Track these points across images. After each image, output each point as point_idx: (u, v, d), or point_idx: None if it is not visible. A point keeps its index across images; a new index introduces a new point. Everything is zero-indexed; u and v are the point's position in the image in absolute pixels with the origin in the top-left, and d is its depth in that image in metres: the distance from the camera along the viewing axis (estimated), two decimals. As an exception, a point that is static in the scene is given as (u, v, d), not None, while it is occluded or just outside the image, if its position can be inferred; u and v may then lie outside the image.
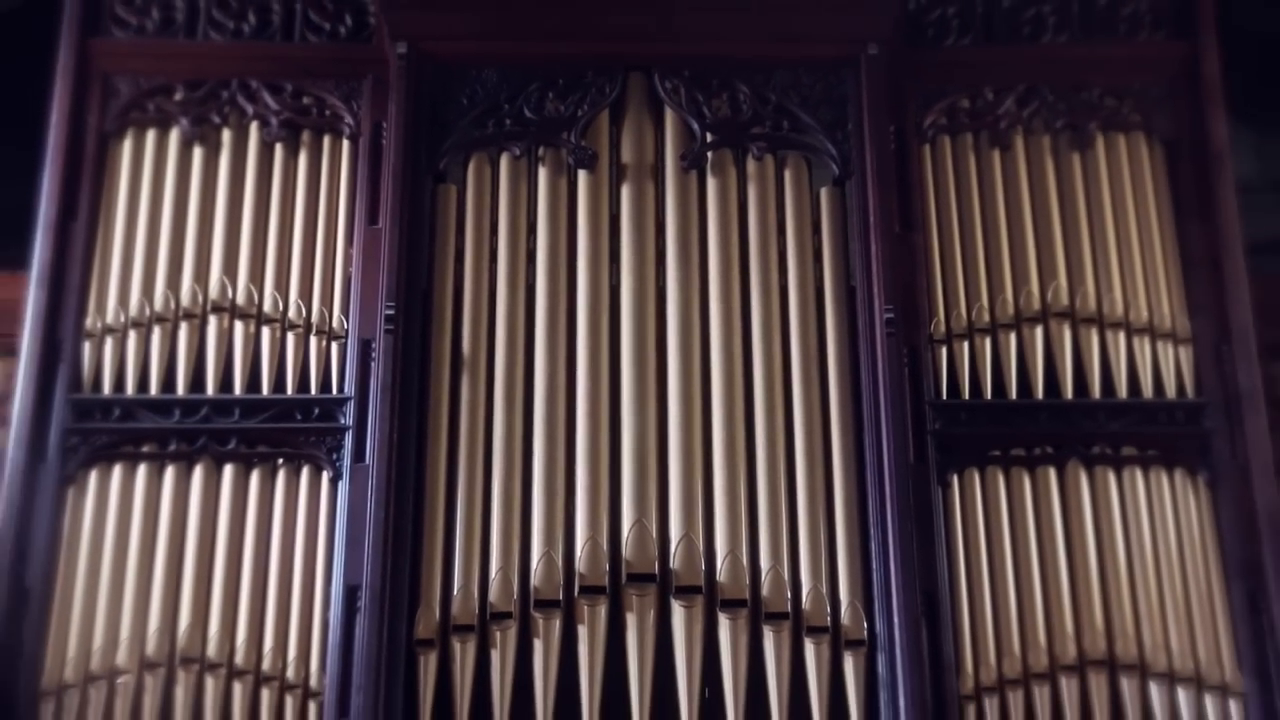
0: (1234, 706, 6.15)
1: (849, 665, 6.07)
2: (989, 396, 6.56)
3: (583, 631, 6.08)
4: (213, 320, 6.65)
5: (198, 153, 7.00)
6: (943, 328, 6.66)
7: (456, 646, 6.08)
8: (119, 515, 6.42)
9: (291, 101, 7.05)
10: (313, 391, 6.57)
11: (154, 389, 6.57)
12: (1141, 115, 7.05)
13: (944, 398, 6.55)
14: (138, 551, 6.35)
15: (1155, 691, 6.13)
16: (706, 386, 6.53)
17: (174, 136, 7.02)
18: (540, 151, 6.93)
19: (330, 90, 7.05)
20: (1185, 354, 6.67)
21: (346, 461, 6.42)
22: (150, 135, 7.04)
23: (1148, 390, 6.59)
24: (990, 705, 6.09)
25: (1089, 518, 6.40)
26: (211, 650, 6.17)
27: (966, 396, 6.57)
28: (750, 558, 6.23)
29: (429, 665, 6.08)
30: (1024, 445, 6.52)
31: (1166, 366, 6.64)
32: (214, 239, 6.83)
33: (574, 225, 6.82)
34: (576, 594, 6.14)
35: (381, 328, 6.52)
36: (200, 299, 6.69)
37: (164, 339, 6.62)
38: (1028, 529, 6.38)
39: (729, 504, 6.31)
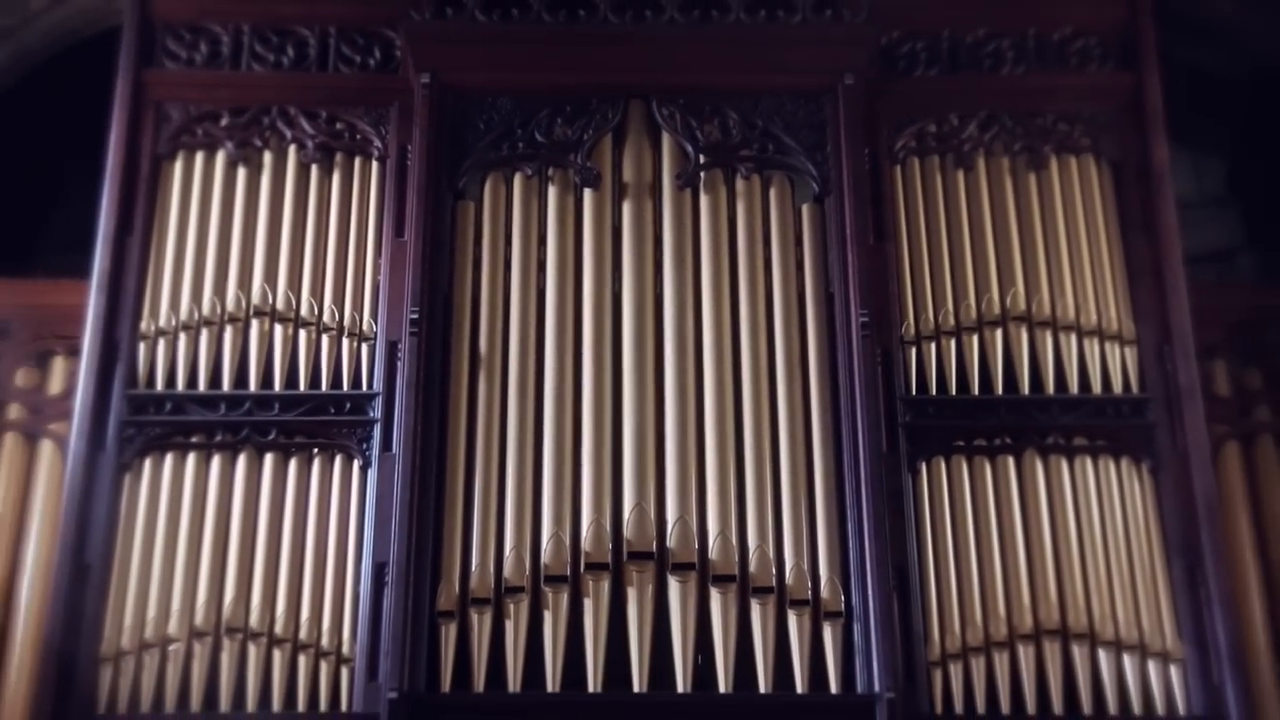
0: (1174, 672, 6.14)
1: (828, 634, 6.06)
2: (954, 392, 6.55)
3: (588, 604, 6.07)
4: (255, 323, 6.64)
5: (241, 173, 6.99)
6: (912, 330, 6.65)
7: (474, 617, 6.07)
8: (170, 499, 6.41)
9: (326, 127, 7.04)
10: (344, 388, 6.56)
11: (202, 385, 6.56)
12: (1091, 139, 7.04)
13: (914, 393, 6.54)
14: (187, 532, 6.35)
15: (1103, 658, 6.13)
16: (699, 383, 6.52)
17: (220, 158, 7.01)
18: (550, 171, 6.91)
19: (360, 116, 7.03)
20: (1130, 354, 6.66)
21: (375, 451, 6.40)
22: (199, 157, 7.02)
23: (1096, 387, 6.57)
24: (955, 670, 6.09)
25: (1044, 501, 6.40)
26: (254, 620, 6.16)
27: (934, 392, 6.55)
28: (739, 537, 6.22)
29: (449, 634, 6.06)
30: (985, 436, 6.50)
31: (1113, 365, 6.62)
32: (256, 250, 6.82)
33: (580, 238, 6.80)
34: (583, 570, 6.13)
35: (407, 330, 6.50)
36: (244, 304, 6.68)
37: (211, 340, 6.61)
38: (989, 512, 6.38)
39: (720, 489, 6.30)
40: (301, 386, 6.55)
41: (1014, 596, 6.21)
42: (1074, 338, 6.63)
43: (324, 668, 6.10)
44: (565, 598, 6.09)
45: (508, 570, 6.14)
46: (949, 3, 7.25)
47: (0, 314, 7.13)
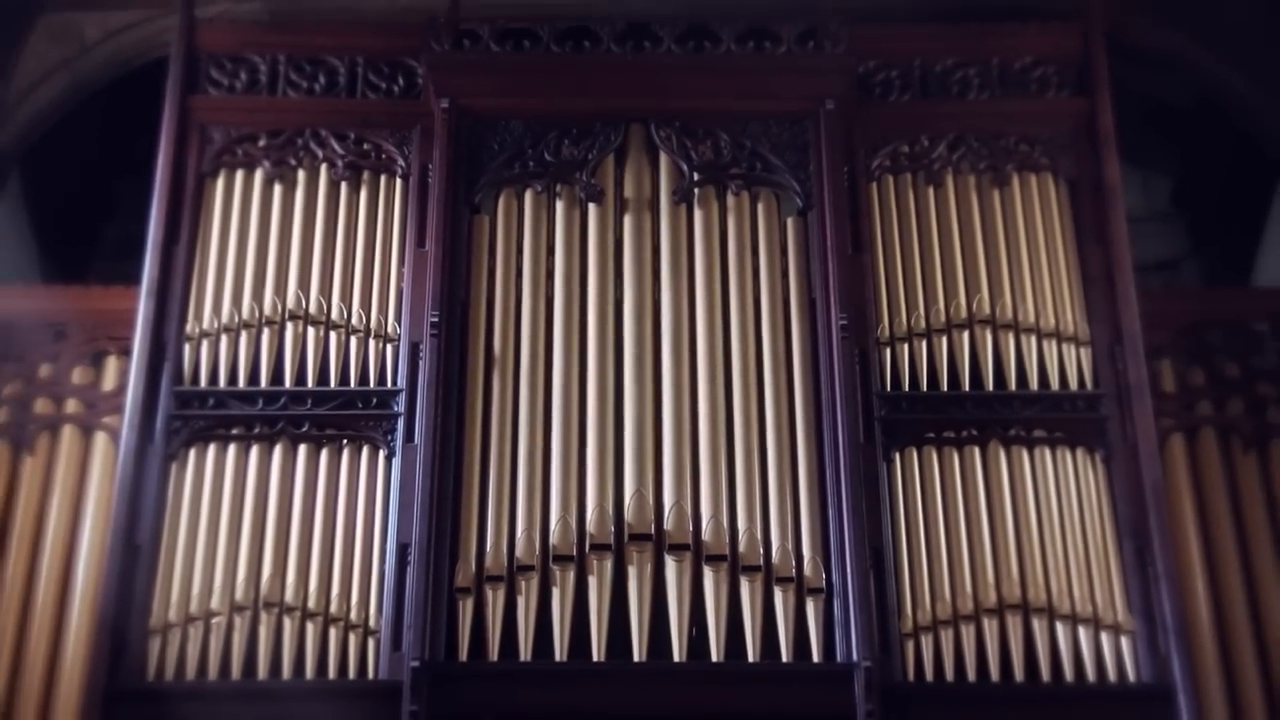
0: (1125, 643, 6.13)
1: (810, 609, 6.05)
2: (925, 389, 6.54)
3: (592, 581, 6.06)
4: (290, 326, 6.63)
5: (277, 190, 6.98)
6: (887, 332, 6.64)
7: (489, 593, 6.06)
8: (213, 486, 6.40)
9: (354, 147, 7.03)
10: (371, 385, 6.54)
11: (242, 382, 6.55)
12: (1049, 159, 7.03)
13: (888, 390, 6.53)
14: (228, 516, 6.34)
15: (1060, 630, 6.11)
16: (694, 381, 6.51)
17: (258, 176, 7.00)
18: (557, 188, 6.90)
19: (386, 138, 7.03)
20: (1085, 354, 6.64)
21: (399, 442, 6.40)
22: (239, 175, 7.01)
23: (1054, 384, 6.56)
24: (926, 641, 6.07)
25: (1006, 488, 6.38)
26: (289, 596, 6.15)
27: (907, 389, 6.54)
28: (729, 521, 6.21)
29: (466, 608, 6.05)
30: (954, 429, 6.49)
31: (1069, 364, 6.61)
32: (291, 259, 6.82)
33: (585, 248, 6.79)
34: (587, 550, 6.11)
35: (427, 332, 6.50)
36: (280, 308, 6.67)
37: (250, 341, 6.61)
38: (957, 497, 6.36)
39: (712, 477, 6.29)
40: (332, 383, 6.55)
41: (979, 574, 6.19)
42: (1034, 339, 6.62)
43: (352, 639, 6.08)
44: (572, 575, 6.07)
45: (519, 550, 6.13)
46: (920, 35, 7.27)
47: (58, 318, 7.11)
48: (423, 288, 6.63)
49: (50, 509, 6.79)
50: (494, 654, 5.98)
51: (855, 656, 5.94)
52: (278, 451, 6.45)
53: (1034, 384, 6.55)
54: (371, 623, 6.11)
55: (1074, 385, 6.57)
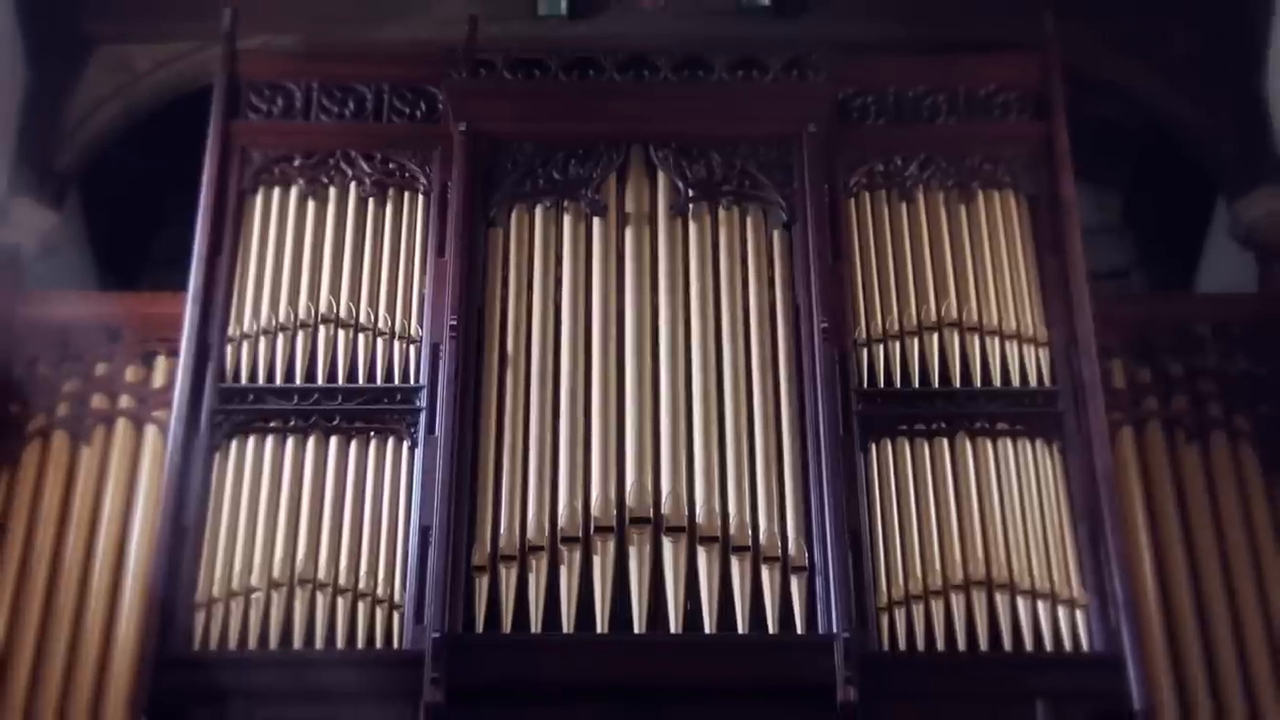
0: (1079, 616, 6.11)
1: (794, 585, 6.04)
2: (899, 386, 6.52)
3: (596, 560, 6.04)
4: (322, 329, 6.61)
5: (311, 205, 6.97)
6: (864, 334, 6.62)
7: (503, 571, 6.05)
8: (252, 474, 6.38)
9: (380, 167, 7.01)
10: (395, 382, 6.53)
11: (279, 380, 6.53)
12: (1011, 177, 7.02)
13: (865, 387, 6.51)
14: (266, 500, 6.32)
15: (1021, 604, 6.09)
16: (688, 378, 6.49)
17: (293, 193, 6.99)
18: (565, 204, 6.89)
19: (409, 158, 7.01)
20: (1043, 354, 6.62)
21: (421, 434, 6.38)
22: (276, 192, 7.00)
23: (1015, 381, 6.54)
24: (899, 614, 6.06)
25: (972, 476, 6.36)
26: (321, 573, 6.13)
27: (882, 386, 6.52)
28: (721, 505, 6.19)
29: (482, 585, 6.04)
30: (924, 422, 6.46)
31: (1029, 363, 6.59)
32: (323, 268, 6.80)
33: (590, 258, 6.77)
34: (592, 532, 6.10)
35: (447, 335, 6.48)
36: (314, 312, 6.65)
37: (286, 343, 6.59)
38: (927, 484, 6.34)
39: (705, 465, 6.27)
40: (360, 381, 6.53)
41: (948, 553, 6.17)
42: (997, 340, 6.60)
43: (379, 613, 6.07)
44: (578, 555, 6.06)
45: (530, 532, 6.12)
46: (893, 65, 7.25)
47: (113, 321, 7.13)
48: (443, 294, 6.62)
49: (106, 495, 6.81)
50: (507, 626, 5.97)
51: (835, 628, 5.92)
52: (311, 443, 6.43)
53: (997, 381, 6.53)
54: (396, 598, 6.10)
55: (1033, 382, 6.55)
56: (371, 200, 6.97)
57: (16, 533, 6.72)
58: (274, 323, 6.64)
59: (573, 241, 6.81)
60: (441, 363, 6.46)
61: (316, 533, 6.24)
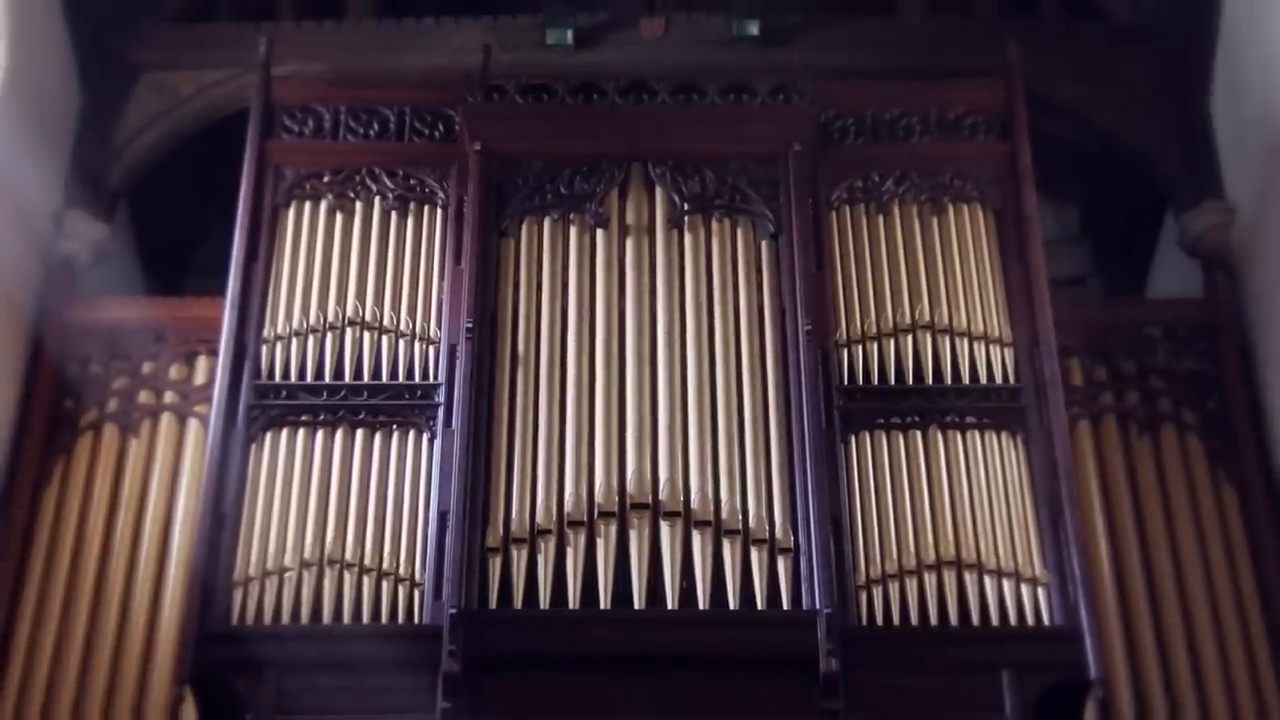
0: (1040, 593, 6.08)
1: (781, 565, 6.01)
2: (876, 383, 6.49)
3: (600, 542, 6.02)
4: (349, 331, 6.58)
5: (339, 218, 6.93)
6: (845, 336, 6.59)
7: (514, 552, 6.02)
8: (285, 463, 6.35)
9: (402, 183, 6.98)
10: (416, 379, 6.49)
11: (309, 377, 6.50)
12: (979, 192, 6.98)
13: (846, 384, 6.48)
14: (298, 487, 6.29)
15: (988, 582, 6.07)
16: (684, 376, 6.46)
17: (323, 207, 6.95)
18: (571, 216, 6.85)
19: (429, 175, 6.98)
20: (1008, 354, 6.59)
21: (439, 427, 6.35)
22: (307, 206, 6.96)
23: (983, 378, 6.51)
24: (877, 592, 6.03)
25: (944, 465, 6.33)
26: (348, 554, 6.10)
27: (861, 383, 6.49)
28: (714, 492, 6.16)
29: (496, 565, 6.01)
30: (900, 416, 6.43)
31: (995, 362, 6.56)
32: (350, 276, 6.76)
33: (594, 267, 6.74)
34: (596, 516, 6.07)
35: (463, 336, 6.45)
36: (341, 316, 6.62)
37: (316, 343, 6.56)
38: (902, 473, 6.31)
39: (700, 456, 6.24)
40: (384, 378, 6.49)
41: (921, 536, 6.14)
42: (966, 341, 6.57)
43: (401, 590, 6.04)
44: (583, 537, 6.03)
45: (539, 516, 6.09)
46: (871, 89, 7.22)
47: (158, 324, 7.09)
48: (459, 299, 6.59)
49: (152, 483, 6.79)
50: (518, 603, 5.95)
51: (818, 605, 5.90)
52: (339, 435, 6.40)
53: (966, 379, 6.50)
54: (416, 577, 6.07)
55: (999, 380, 6.52)
56: (394, 213, 6.94)
57: (70, 517, 6.70)
58: (305, 325, 6.61)
59: (578, 251, 6.77)
60: (458, 362, 6.44)
61: (344, 517, 6.21)
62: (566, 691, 5.90)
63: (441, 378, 6.47)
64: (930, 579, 6.05)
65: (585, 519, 6.07)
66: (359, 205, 6.96)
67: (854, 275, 6.77)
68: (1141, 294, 8.39)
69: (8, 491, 6.72)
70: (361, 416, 6.43)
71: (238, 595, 6.05)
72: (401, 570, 6.09)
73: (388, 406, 6.44)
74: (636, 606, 5.93)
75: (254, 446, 6.38)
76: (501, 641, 5.90)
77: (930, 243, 6.87)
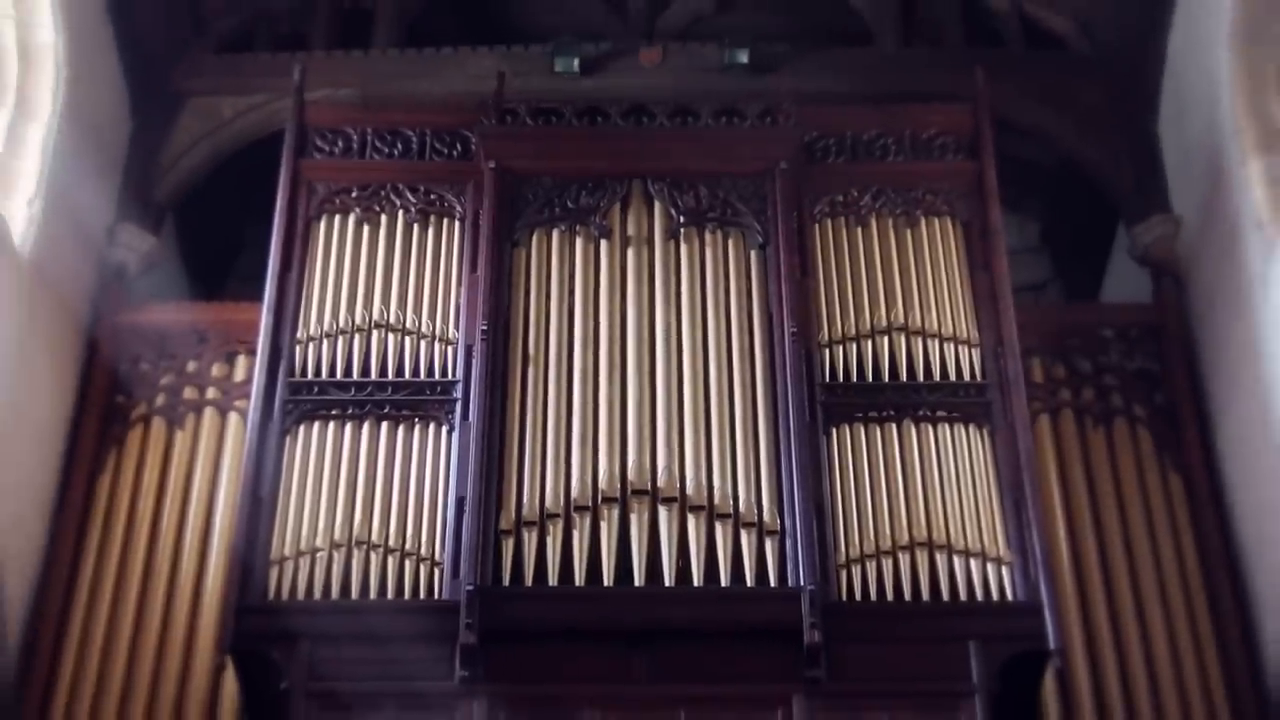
0: (1004, 571, 6.03)
1: (769, 547, 5.97)
2: (855, 380, 6.44)
3: (604, 525, 5.98)
4: (375, 332, 6.52)
5: (366, 229, 6.88)
6: (827, 337, 6.54)
7: (525, 534, 5.98)
8: (317, 454, 6.29)
9: (423, 198, 6.93)
10: (436, 377, 6.44)
11: (339, 375, 6.44)
12: (949, 206, 6.93)
13: (828, 381, 6.43)
14: (329, 474, 6.24)
15: (956, 561, 6.02)
16: (680, 373, 6.41)
17: (351, 219, 6.89)
18: (577, 228, 6.80)
19: (447, 190, 6.93)
20: (975, 353, 6.53)
21: (457, 420, 6.30)
22: (336, 219, 6.90)
23: (952, 376, 6.45)
24: (855, 570, 5.99)
25: (917, 455, 6.27)
26: (374, 536, 6.05)
27: (842, 380, 6.44)
28: (707, 479, 6.11)
29: (508, 545, 5.98)
30: (877, 410, 6.38)
31: (964, 361, 6.50)
32: (376, 282, 6.70)
33: (598, 274, 6.69)
34: (600, 502, 6.03)
35: (479, 337, 6.41)
36: (368, 319, 6.57)
37: (345, 344, 6.50)
38: (879, 462, 6.25)
39: (694, 446, 6.20)
40: (406, 376, 6.44)
41: (896, 519, 6.09)
42: (937, 342, 6.52)
43: (422, 569, 5.99)
44: (588, 520, 5.99)
45: (548, 502, 6.05)
46: (851, 112, 7.17)
47: (201, 327, 7.08)
48: (475, 304, 6.54)
49: (196, 471, 6.78)
50: (529, 580, 5.91)
51: (802, 582, 5.86)
52: (366, 427, 6.34)
53: (937, 376, 6.44)
54: (436, 556, 6.02)
55: (967, 377, 6.47)
56: (415, 225, 6.89)
57: (122, 502, 6.69)
58: (335, 327, 6.56)
59: (583, 260, 6.72)
60: (474, 361, 6.39)
61: (370, 502, 6.16)
62: (573, 661, 5.85)
63: (459, 375, 6.42)
64: (904, 558, 6.00)
65: (590, 504, 6.03)
66: (384, 218, 6.91)
67: (835, 282, 6.72)
68: (1096, 299, 8.35)
69: (65, 479, 6.71)
70: (386, 410, 6.38)
71: (274, 573, 6.00)
72: (422, 550, 6.04)
73: (410, 402, 6.39)
74: (637, 583, 5.89)
75: (288, 438, 6.33)
76: (514, 615, 5.86)
77: (904, 252, 6.81)
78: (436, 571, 6.00)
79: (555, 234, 6.81)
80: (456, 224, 6.89)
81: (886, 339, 6.53)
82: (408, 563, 6.01)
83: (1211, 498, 6.66)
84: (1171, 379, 6.95)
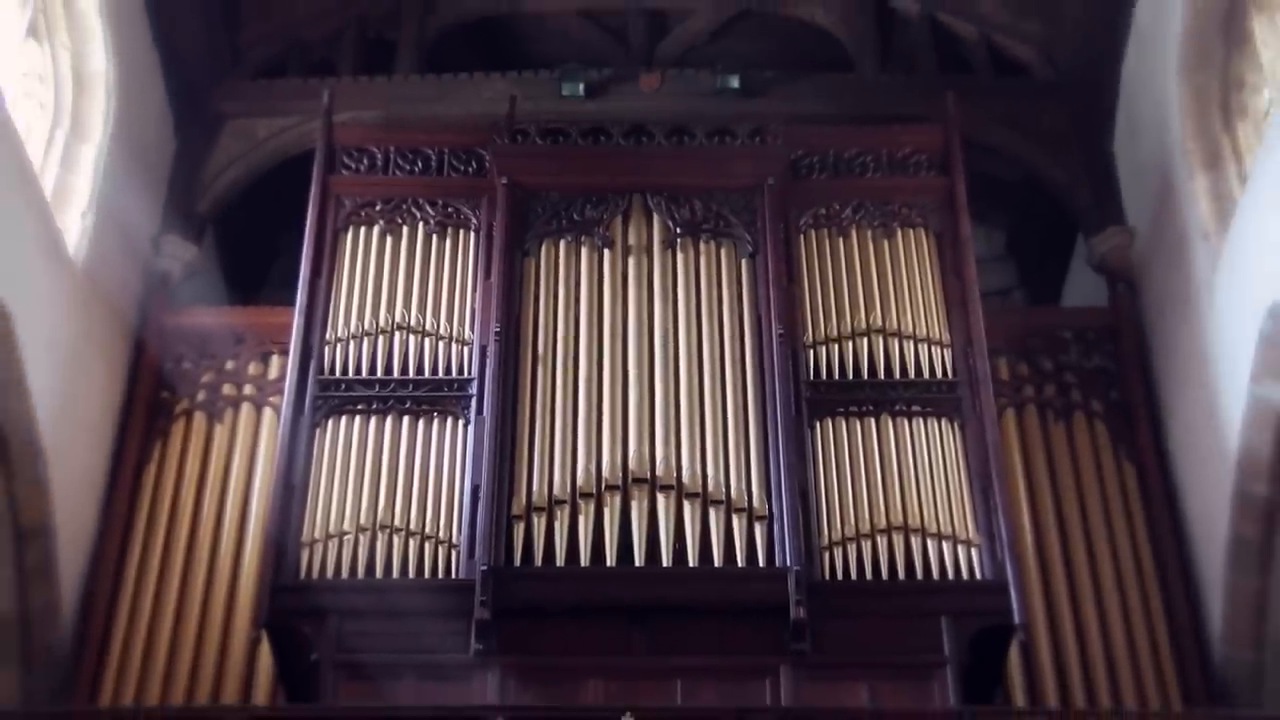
0: (973, 553, 5.99)
1: (758, 530, 5.94)
2: (837, 378, 6.39)
3: (607, 510, 5.94)
4: (397, 334, 6.48)
5: (389, 240, 6.83)
6: (811, 338, 6.49)
7: (535, 519, 5.95)
8: (344, 445, 6.24)
9: (441, 211, 6.88)
10: (453, 375, 6.40)
11: (364, 373, 6.40)
12: (923, 219, 6.88)
13: (812, 378, 6.38)
14: (354, 464, 6.19)
15: (929, 544, 5.98)
16: (677, 372, 6.36)
17: (375, 230, 6.85)
18: (582, 239, 6.76)
19: (464, 204, 6.88)
20: (947, 353, 6.48)
21: (472, 414, 6.25)
22: (362, 230, 6.85)
23: (926, 374, 6.41)
24: (837, 552, 5.95)
25: (893, 446, 6.22)
26: (397, 520, 6.01)
27: (825, 377, 6.39)
28: (701, 469, 6.07)
29: (519, 529, 5.94)
30: (857, 405, 6.33)
31: (936, 360, 6.45)
32: (398, 288, 6.65)
33: (601, 281, 6.64)
34: (603, 489, 5.99)
35: (492, 339, 6.37)
36: (390, 322, 6.52)
37: (369, 345, 6.46)
38: (859, 453, 6.20)
39: (690, 439, 6.15)
40: (426, 374, 6.40)
41: (875, 505, 6.05)
42: (912, 343, 6.46)
43: (440, 551, 5.95)
44: (592, 506, 5.95)
45: (556, 489, 6.00)
46: (833, 133, 7.15)
47: (239, 329, 7.06)
48: (489, 308, 6.50)
49: (234, 461, 6.76)
50: (538, 561, 5.87)
51: (789, 563, 5.82)
52: (389, 421, 6.30)
53: (912, 374, 6.39)
54: (453, 539, 5.98)
55: (939, 375, 6.42)
56: (434, 236, 6.84)
57: (167, 490, 6.66)
58: (361, 329, 6.51)
59: (588, 268, 6.68)
60: (488, 360, 6.35)
61: (393, 489, 6.11)
62: (578, 635, 5.81)
63: (474, 374, 6.37)
64: (882, 541, 5.96)
65: (594, 491, 5.99)
66: (405, 229, 6.86)
67: (819, 288, 6.67)
68: (1057, 303, 8.32)
69: (115, 468, 6.69)
70: (407, 406, 6.33)
71: (305, 554, 5.96)
72: (440, 534, 6.00)
73: (429, 398, 6.35)
74: (637, 564, 5.85)
75: (318, 431, 6.28)
76: (524, 593, 5.82)
77: (882, 261, 6.77)
78: (453, 553, 5.95)
79: (562, 244, 6.76)
80: (472, 235, 6.84)
81: (866, 340, 6.48)
82: (427, 545, 5.96)
83: (1162, 486, 6.64)
84: (1126, 377, 6.92)
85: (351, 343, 6.49)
